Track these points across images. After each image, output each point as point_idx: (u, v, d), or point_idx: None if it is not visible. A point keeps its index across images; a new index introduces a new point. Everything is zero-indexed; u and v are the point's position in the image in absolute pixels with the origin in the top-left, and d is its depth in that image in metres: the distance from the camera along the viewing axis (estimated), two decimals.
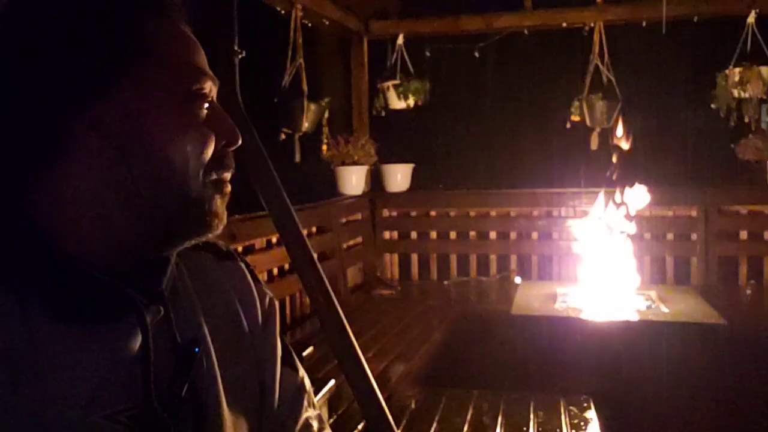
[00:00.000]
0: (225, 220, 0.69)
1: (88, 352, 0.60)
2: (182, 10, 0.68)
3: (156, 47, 0.63)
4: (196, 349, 0.67)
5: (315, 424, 0.83)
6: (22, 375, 0.57)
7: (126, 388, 0.61)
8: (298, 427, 0.80)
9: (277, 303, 0.84)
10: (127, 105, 0.61)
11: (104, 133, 0.60)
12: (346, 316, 1.19)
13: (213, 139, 0.66)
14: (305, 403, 0.82)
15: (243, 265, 0.82)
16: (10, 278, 0.59)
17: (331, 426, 2.25)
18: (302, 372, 0.85)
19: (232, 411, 0.71)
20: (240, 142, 0.70)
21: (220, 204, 0.68)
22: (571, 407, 2.55)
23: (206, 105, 0.66)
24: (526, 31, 4.74)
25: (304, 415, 0.81)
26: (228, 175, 0.70)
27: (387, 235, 4.94)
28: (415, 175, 4.95)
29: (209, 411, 0.67)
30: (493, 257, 4.73)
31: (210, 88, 0.67)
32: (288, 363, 0.82)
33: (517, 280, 4.54)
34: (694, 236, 4.43)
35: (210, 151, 0.66)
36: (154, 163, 0.62)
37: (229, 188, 0.70)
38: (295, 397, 0.81)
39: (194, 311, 0.71)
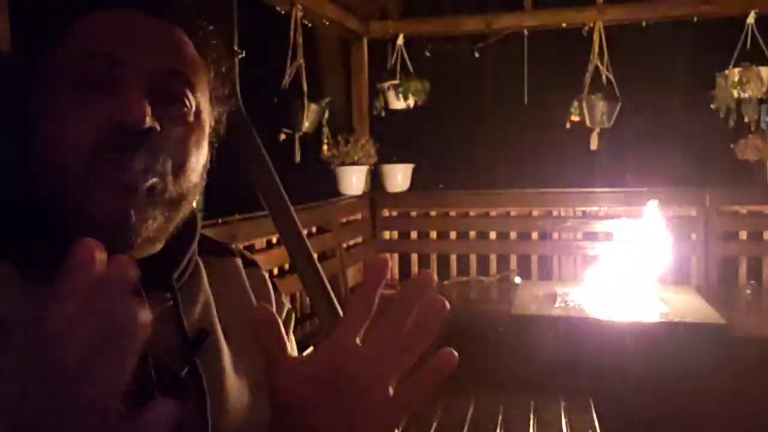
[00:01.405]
0: (131, 221, 0.63)
1: None
2: None
3: (66, 39, 0.63)
4: (203, 338, 0.68)
5: None
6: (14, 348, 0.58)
7: None
8: None
9: (294, 316, 0.86)
10: (32, 96, 0.63)
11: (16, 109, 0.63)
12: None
13: (106, 123, 0.61)
14: None
15: (266, 275, 0.84)
16: (14, 251, 0.61)
17: None
18: None
19: (239, 408, 0.71)
20: (137, 120, 0.62)
21: (113, 199, 0.62)
22: (571, 408, 2.55)
23: (111, 87, 0.62)
24: (525, 31, 4.74)
25: None
26: (133, 164, 0.62)
27: (387, 235, 4.94)
28: (415, 175, 4.95)
29: (213, 402, 0.67)
30: (493, 257, 4.73)
31: (122, 65, 0.63)
32: None
33: (517, 280, 4.53)
34: (693, 236, 4.43)
35: (100, 137, 0.61)
36: (36, 153, 0.62)
37: (142, 182, 0.63)
38: None
39: (208, 307, 0.72)
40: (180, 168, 0.65)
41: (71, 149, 0.61)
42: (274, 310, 0.80)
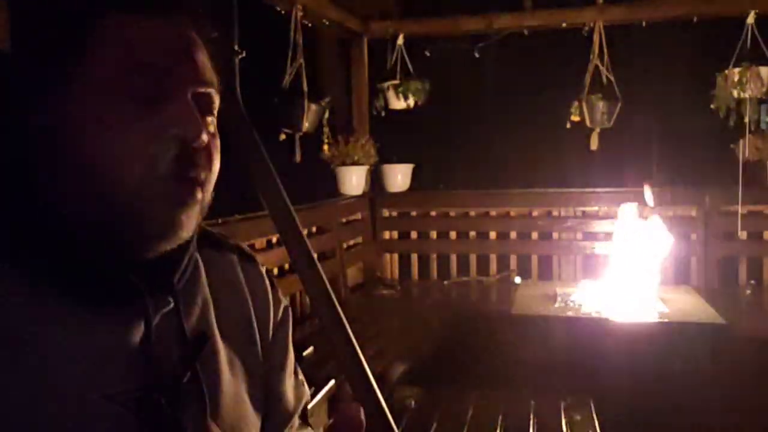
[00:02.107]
0: (185, 228, 0.64)
1: (91, 333, 0.61)
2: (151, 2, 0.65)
3: (98, 48, 0.61)
4: (203, 342, 0.68)
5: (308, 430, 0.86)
6: (21, 351, 0.58)
7: (127, 372, 0.62)
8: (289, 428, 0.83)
9: (290, 312, 0.85)
10: (61, 105, 0.61)
11: (37, 131, 0.62)
12: (346, 316, 1.19)
13: (162, 138, 0.61)
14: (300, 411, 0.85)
15: (263, 270, 0.83)
16: (21, 255, 0.61)
17: (331, 426, 2.25)
18: (301, 376, 0.88)
19: (233, 410, 0.71)
20: (199, 137, 0.63)
21: (169, 210, 0.63)
22: (570, 407, 2.55)
23: (160, 97, 0.62)
24: (525, 32, 4.74)
25: (298, 423, 0.84)
26: (194, 176, 0.64)
27: (387, 235, 4.94)
28: (415, 175, 4.95)
29: (211, 404, 0.68)
30: (493, 257, 4.74)
31: (170, 76, 0.63)
32: (297, 374, 0.85)
33: (517, 280, 4.54)
34: (693, 236, 4.43)
35: (158, 150, 0.61)
36: (78, 163, 0.61)
37: (194, 193, 0.64)
38: (297, 405, 0.84)
39: (207, 309, 0.72)
40: (213, 177, 0.68)
41: (125, 161, 0.60)
42: (270, 309, 0.81)
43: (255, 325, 0.78)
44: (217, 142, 0.69)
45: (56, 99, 0.61)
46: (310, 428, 0.86)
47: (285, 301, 0.84)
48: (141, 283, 0.63)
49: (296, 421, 0.84)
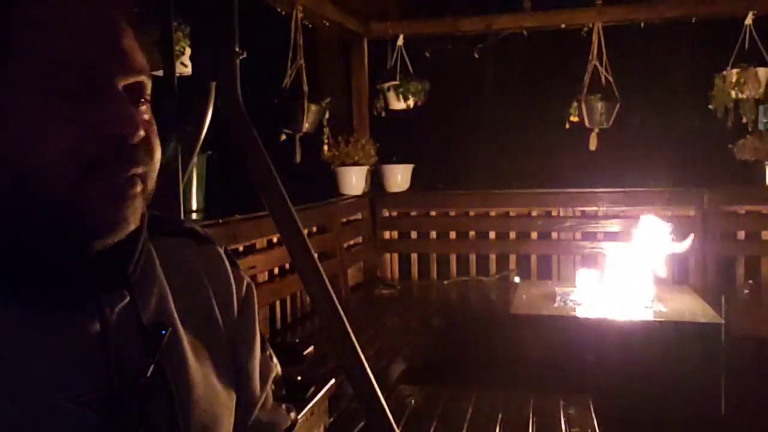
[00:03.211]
0: (128, 221, 0.63)
1: (49, 336, 0.60)
2: None
3: (23, 42, 0.59)
4: (163, 332, 0.67)
5: (283, 405, 0.86)
6: None
7: (89, 372, 0.61)
8: (268, 407, 0.83)
9: (254, 289, 0.84)
10: None
11: None
12: (346, 316, 1.20)
13: (97, 137, 0.60)
14: (270, 384, 0.85)
15: (221, 251, 0.81)
16: None
17: (331, 425, 2.26)
18: (275, 358, 0.87)
19: (204, 394, 0.71)
20: (137, 133, 0.61)
21: (110, 207, 0.62)
22: (570, 407, 2.57)
23: (91, 94, 0.60)
24: (525, 32, 4.75)
25: (272, 398, 0.84)
26: (133, 172, 0.63)
27: (387, 235, 4.95)
28: (415, 175, 4.96)
29: (180, 393, 0.67)
30: (492, 257, 4.74)
31: (101, 71, 0.61)
32: (264, 349, 0.84)
33: (517, 279, 4.55)
34: (692, 236, 4.43)
35: (93, 150, 0.60)
36: (9, 164, 0.59)
37: (135, 187, 0.63)
38: (265, 382, 0.83)
39: (164, 297, 0.71)
40: (155, 165, 0.66)
41: (59, 162, 0.58)
42: (232, 289, 0.79)
43: (215, 306, 0.77)
44: (154, 127, 0.67)
45: None
46: (283, 406, 0.85)
47: (247, 279, 0.83)
48: (93, 280, 0.63)
49: (270, 399, 0.83)
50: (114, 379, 0.62)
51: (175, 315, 0.71)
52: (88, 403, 0.61)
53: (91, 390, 0.61)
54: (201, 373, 0.71)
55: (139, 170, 0.63)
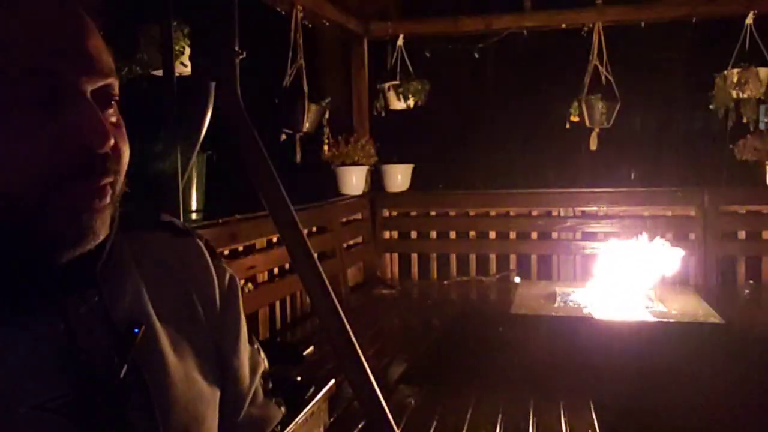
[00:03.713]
0: (97, 232, 0.61)
1: (12, 344, 0.58)
2: None
3: None
4: (136, 330, 0.64)
5: (274, 400, 0.83)
6: None
7: (57, 377, 0.59)
8: (259, 402, 0.80)
9: (238, 281, 0.81)
10: None
11: None
12: (346, 316, 1.20)
13: (64, 147, 0.57)
14: (259, 379, 0.82)
15: (201, 243, 0.79)
16: None
17: (331, 425, 2.26)
18: (257, 344, 0.85)
19: (185, 391, 0.69)
20: (106, 144, 0.58)
21: (78, 218, 0.59)
22: (570, 407, 2.56)
23: (56, 103, 0.57)
24: (525, 32, 4.75)
25: (263, 392, 0.82)
26: (103, 183, 0.60)
27: (387, 235, 4.95)
28: (415, 175, 4.96)
29: (158, 392, 0.65)
30: (492, 257, 4.74)
31: (65, 79, 0.58)
32: (251, 343, 0.82)
33: (517, 279, 4.55)
34: (692, 236, 4.44)
35: (60, 161, 0.57)
36: None
37: (104, 197, 0.60)
38: (253, 376, 0.81)
39: (138, 294, 0.69)
40: (123, 168, 0.64)
41: (24, 175, 0.56)
42: (214, 282, 0.77)
43: (196, 300, 0.75)
44: (123, 130, 0.64)
45: None
46: (273, 401, 0.83)
47: (230, 271, 0.80)
48: (57, 282, 0.60)
49: (259, 394, 0.81)
50: (83, 381, 0.60)
51: (152, 311, 0.68)
52: (56, 409, 0.58)
53: (59, 396, 0.59)
54: (182, 370, 0.69)
55: (109, 180, 0.61)
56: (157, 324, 0.68)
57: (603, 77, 4.46)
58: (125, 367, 0.62)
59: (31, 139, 0.56)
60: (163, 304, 0.70)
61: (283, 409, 0.85)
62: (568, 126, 4.67)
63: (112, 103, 0.62)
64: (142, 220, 0.74)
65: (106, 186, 0.60)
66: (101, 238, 0.62)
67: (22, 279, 0.59)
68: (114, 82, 0.62)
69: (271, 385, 0.84)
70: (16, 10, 0.57)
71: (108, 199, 0.61)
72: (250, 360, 0.80)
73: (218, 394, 0.75)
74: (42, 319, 0.60)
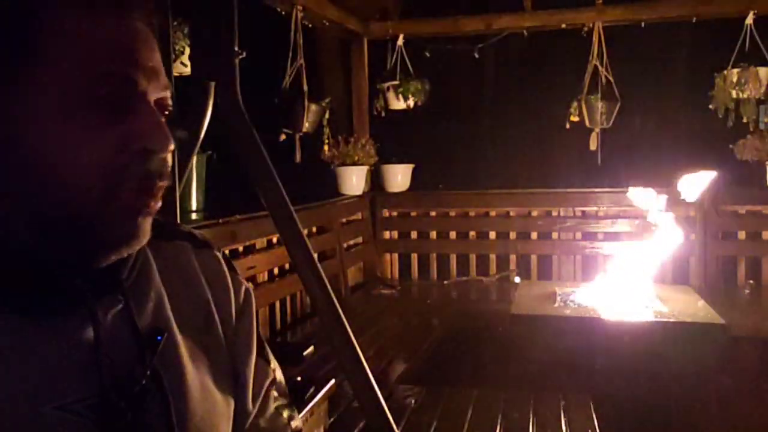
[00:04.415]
0: (146, 235, 0.63)
1: (40, 343, 0.59)
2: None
3: (52, 51, 0.58)
4: (158, 338, 0.66)
5: (285, 413, 0.83)
6: None
7: (81, 379, 0.60)
8: (267, 415, 0.80)
9: (253, 294, 0.83)
10: (7, 107, 0.57)
11: None
12: (346, 316, 1.20)
13: (129, 149, 0.60)
14: (274, 393, 0.83)
15: (219, 255, 0.80)
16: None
17: (331, 426, 2.26)
18: (274, 363, 0.85)
19: (201, 401, 0.70)
20: (167, 147, 0.62)
21: (132, 220, 0.62)
22: (570, 407, 2.56)
23: (125, 106, 0.60)
24: (525, 32, 4.75)
25: (273, 405, 0.82)
26: (160, 186, 0.63)
27: (387, 235, 4.95)
28: (415, 175, 4.96)
29: (176, 400, 0.66)
30: (492, 257, 4.74)
31: (136, 86, 0.61)
32: (262, 355, 0.82)
33: (517, 279, 4.55)
34: (692, 236, 4.43)
35: (125, 162, 0.59)
36: (34, 172, 0.58)
37: (157, 201, 0.63)
38: (266, 389, 0.81)
39: (161, 302, 0.70)
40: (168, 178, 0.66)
41: (88, 173, 0.59)
42: (231, 294, 0.78)
43: (215, 311, 0.76)
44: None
45: (1, 100, 0.58)
46: (284, 414, 0.83)
47: (246, 284, 0.82)
48: (86, 286, 0.62)
49: (269, 406, 0.81)
50: (107, 386, 0.61)
51: (172, 320, 0.70)
52: (79, 411, 0.59)
53: (83, 397, 0.60)
54: (198, 379, 0.70)
55: (165, 184, 0.63)
56: (177, 333, 0.70)
57: (603, 77, 4.46)
58: (147, 373, 0.63)
59: (99, 138, 0.59)
60: (182, 314, 0.72)
61: (294, 423, 0.85)
62: (567, 126, 4.67)
63: (166, 113, 0.65)
64: (163, 229, 0.75)
65: (162, 189, 0.63)
66: (144, 242, 0.64)
67: (58, 280, 0.61)
68: (169, 95, 0.65)
69: (284, 400, 0.84)
70: (102, 20, 0.60)
71: (159, 205, 0.63)
72: (260, 372, 0.81)
73: (232, 405, 0.76)
74: (71, 321, 0.61)
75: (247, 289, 0.81)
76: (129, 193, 0.60)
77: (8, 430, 0.57)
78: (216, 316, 0.76)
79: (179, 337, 0.70)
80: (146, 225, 0.63)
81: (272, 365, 0.84)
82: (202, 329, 0.74)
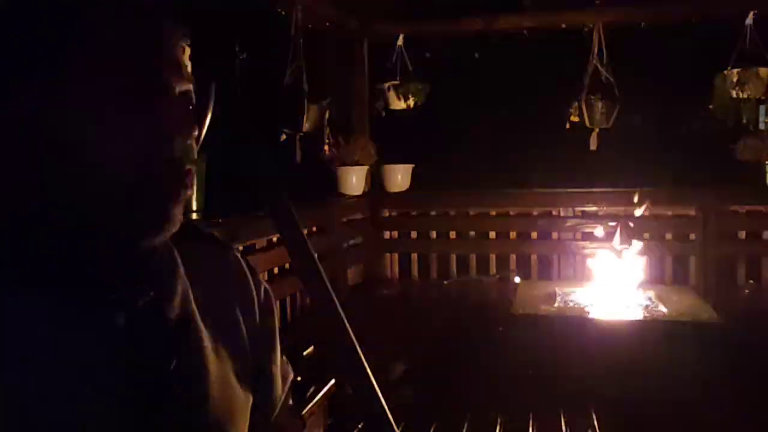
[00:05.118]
0: (177, 222, 0.67)
1: (74, 328, 0.62)
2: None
3: (86, 43, 0.61)
4: (187, 328, 0.69)
5: (290, 400, 0.89)
6: (6, 354, 0.59)
7: (112, 364, 0.63)
8: (287, 410, 0.86)
9: (273, 294, 0.86)
10: (47, 102, 0.59)
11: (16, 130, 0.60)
12: (346, 316, 1.20)
13: (161, 134, 0.63)
14: (288, 388, 0.88)
15: (239, 255, 0.84)
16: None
17: (331, 426, 2.26)
18: (284, 356, 0.89)
19: (221, 393, 0.72)
20: (192, 133, 0.67)
21: (164, 205, 0.65)
22: (570, 408, 2.57)
23: (152, 97, 0.63)
24: (525, 32, 4.75)
25: (287, 396, 0.87)
26: (188, 171, 0.66)
27: (387, 235, 4.95)
28: (415, 175, 4.96)
29: (197, 390, 0.69)
30: (492, 257, 4.74)
31: (162, 78, 0.64)
32: (283, 353, 0.86)
33: (517, 279, 4.54)
34: (692, 236, 4.43)
35: (157, 147, 0.63)
36: (72, 161, 0.61)
37: (187, 188, 0.67)
38: (289, 385, 0.87)
39: (186, 297, 0.72)
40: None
41: (123, 159, 0.61)
42: (253, 294, 0.82)
43: (238, 309, 0.79)
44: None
45: (40, 84, 0.59)
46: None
47: (265, 284, 0.85)
48: (119, 275, 0.65)
49: (289, 402, 0.86)
50: (136, 372, 0.64)
51: (197, 314, 0.73)
52: (108, 395, 0.62)
53: (112, 383, 0.63)
54: (220, 371, 0.73)
55: (193, 168, 0.67)
56: (202, 327, 0.73)
57: (603, 77, 4.46)
58: (174, 362, 0.66)
59: (130, 127, 0.62)
60: (207, 308, 0.74)
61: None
62: (567, 126, 4.66)
63: (191, 107, 0.69)
64: (186, 229, 0.78)
65: (191, 175, 0.67)
66: (176, 228, 0.67)
67: (94, 270, 0.64)
68: (192, 88, 0.69)
69: (291, 401, 0.90)
70: (132, 17, 0.64)
71: (189, 192, 0.67)
72: (285, 368, 0.86)
73: (251, 400, 0.78)
74: (104, 308, 0.64)
75: (266, 289, 0.85)
76: (159, 178, 0.63)
77: (48, 410, 0.59)
78: (239, 315, 0.79)
79: (204, 331, 0.73)
80: (178, 211, 0.66)
81: (289, 365, 0.88)
82: (225, 325, 0.77)
